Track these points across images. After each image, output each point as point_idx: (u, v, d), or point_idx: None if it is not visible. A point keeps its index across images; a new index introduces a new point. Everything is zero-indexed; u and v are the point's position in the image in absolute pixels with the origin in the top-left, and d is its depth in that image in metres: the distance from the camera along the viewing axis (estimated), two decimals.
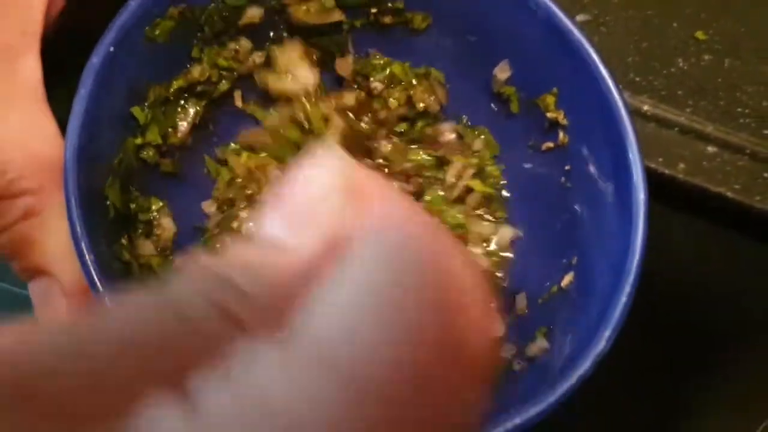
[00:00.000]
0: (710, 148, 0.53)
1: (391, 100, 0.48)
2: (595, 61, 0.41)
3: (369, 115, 0.48)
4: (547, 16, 0.43)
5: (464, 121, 0.49)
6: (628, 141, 0.40)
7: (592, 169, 0.43)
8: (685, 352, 0.51)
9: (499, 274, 0.46)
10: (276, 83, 0.48)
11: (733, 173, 0.52)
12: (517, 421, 0.34)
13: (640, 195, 0.39)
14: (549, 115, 0.44)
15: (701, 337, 0.51)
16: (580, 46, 0.42)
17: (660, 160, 0.52)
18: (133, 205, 0.43)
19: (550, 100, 0.44)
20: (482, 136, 0.48)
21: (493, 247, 0.47)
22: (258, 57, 0.46)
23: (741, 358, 0.51)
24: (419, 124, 0.49)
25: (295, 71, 0.48)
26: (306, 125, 0.47)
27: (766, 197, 0.52)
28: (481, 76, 0.47)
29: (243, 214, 0.47)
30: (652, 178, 0.51)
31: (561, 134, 0.44)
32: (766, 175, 0.52)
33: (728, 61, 0.56)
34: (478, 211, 0.48)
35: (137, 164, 0.43)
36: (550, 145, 0.45)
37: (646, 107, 0.54)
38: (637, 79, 0.55)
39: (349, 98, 0.48)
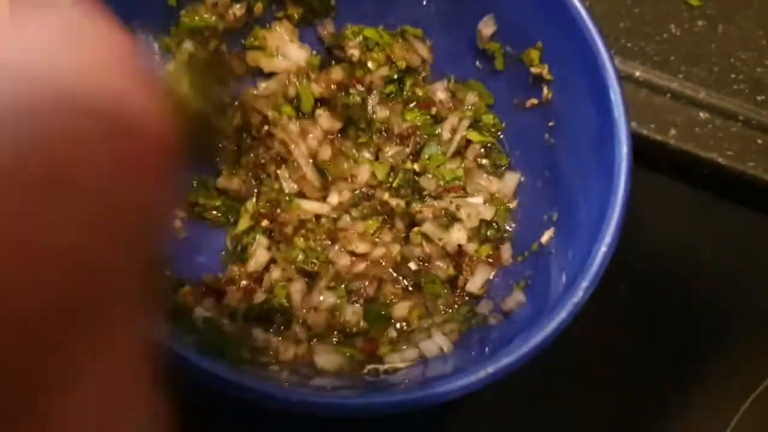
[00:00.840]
0: (702, 114, 0.52)
1: (369, 63, 0.48)
2: (581, 13, 0.41)
3: (357, 85, 0.48)
4: None
5: (453, 79, 0.48)
6: (612, 93, 0.39)
7: (575, 124, 0.42)
8: (675, 321, 0.50)
9: (508, 227, 0.45)
10: (268, 63, 0.48)
11: (726, 139, 0.51)
12: (490, 369, 0.33)
13: (623, 149, 0.38)
14: (533, 70, 0.44)
15: (691, 305, 0.50)
16: None
17: (652, 126, 0.51)
18: None
19: (535, 54, 0.43)
20: (474, 90, 0.48)
21: (498, 196, 0.46)
22: (238, 9, 0.46)
23: (732, 325, 0.50)
24: (408, 83, 0.48)
25: (286, 51, 0.48)
26: (295, 102, 0.47)
27: (759, 163, 0.51)
28: (465, 33, 0.46)
29: None
30: (644, 144, 0.50)
31: (545, 90, 0.44)
32: (759, 141, 0.52)
33: (722, 27, 0.55)
34: (481, 161, 0.47)
35: None
36: (534, 101, 0.45)
37: (638, 73, 0.53)
38: (629, 44, 0.54)
39: (337, 72, 0.48)
